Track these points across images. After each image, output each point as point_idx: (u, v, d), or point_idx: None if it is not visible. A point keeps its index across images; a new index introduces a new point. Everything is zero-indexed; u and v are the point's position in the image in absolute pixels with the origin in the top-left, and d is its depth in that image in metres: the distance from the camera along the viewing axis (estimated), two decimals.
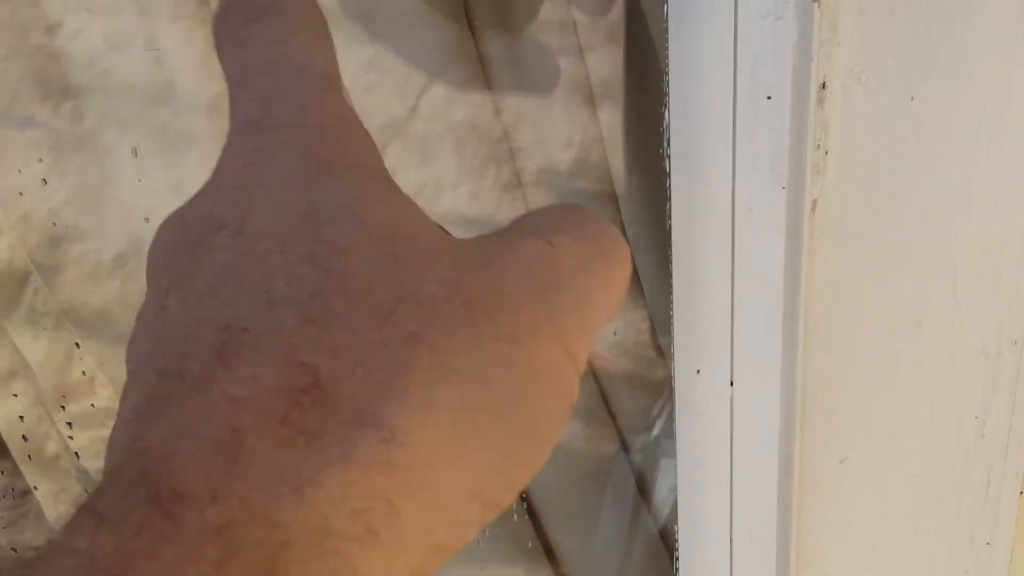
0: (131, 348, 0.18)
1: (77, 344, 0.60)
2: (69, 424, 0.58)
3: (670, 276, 0.41)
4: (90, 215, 0.58)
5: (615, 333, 0.59)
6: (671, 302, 0.41)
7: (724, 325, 0.41)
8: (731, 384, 0.42)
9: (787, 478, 0.43)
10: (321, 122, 0.19)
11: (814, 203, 0.40)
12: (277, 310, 0.16)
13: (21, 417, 0.61)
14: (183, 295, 0.17)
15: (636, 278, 0.57)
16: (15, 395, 0.61)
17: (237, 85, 0.20)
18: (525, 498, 0.64)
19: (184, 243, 0.18)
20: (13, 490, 0.70)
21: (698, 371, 0.42)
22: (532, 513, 0.65)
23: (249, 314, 0.16)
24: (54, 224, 0.58)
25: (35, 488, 0.66)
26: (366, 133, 0.20)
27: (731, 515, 0.44)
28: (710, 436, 0.42)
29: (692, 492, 0.44)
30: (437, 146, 0.55)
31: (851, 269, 0.40)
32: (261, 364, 0.15)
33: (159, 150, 0.56)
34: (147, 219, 0.58)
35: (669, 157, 0.39)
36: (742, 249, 0.39)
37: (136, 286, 0.59)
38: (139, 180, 0.57)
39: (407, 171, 0.56)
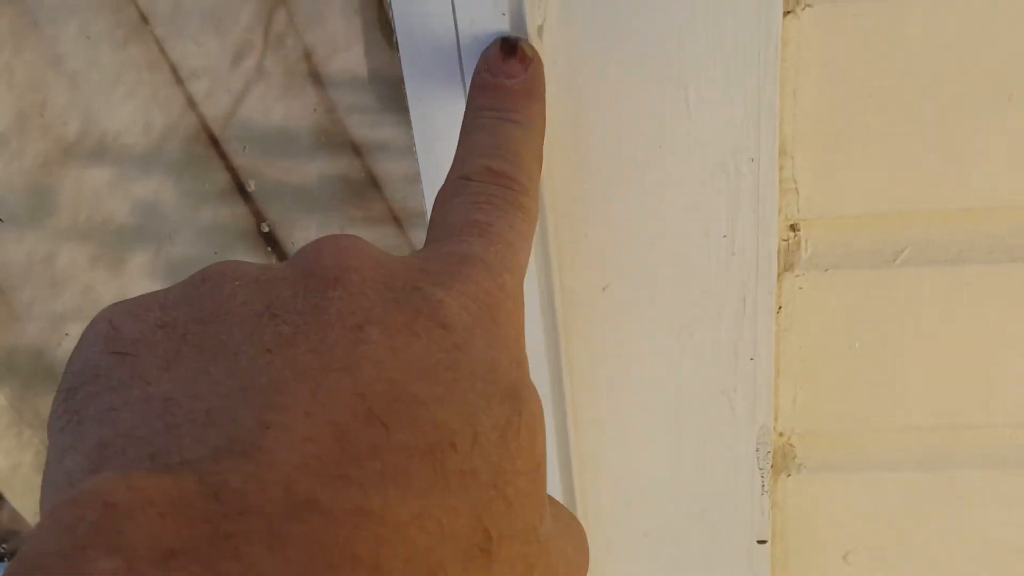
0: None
1: None
2: None
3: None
4: None
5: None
6: (415, 146, 0.42)
7: None
8: None
9: (549, 307, 0.45)
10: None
11: (539, 29, 0.40)
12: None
13: None
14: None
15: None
16: None
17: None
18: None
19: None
20: None
21: None
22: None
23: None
24: None
25: None
26: None
27: None
28: None
29: None
30: (327, 7, 0.55)
31: (585, 94, 0.41)
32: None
33: (35, 23, 0.54)
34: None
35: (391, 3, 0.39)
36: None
37: (20, 166, 0.58)
38: (16, 55, 0.55)
39: (297, 36, 0.55)
